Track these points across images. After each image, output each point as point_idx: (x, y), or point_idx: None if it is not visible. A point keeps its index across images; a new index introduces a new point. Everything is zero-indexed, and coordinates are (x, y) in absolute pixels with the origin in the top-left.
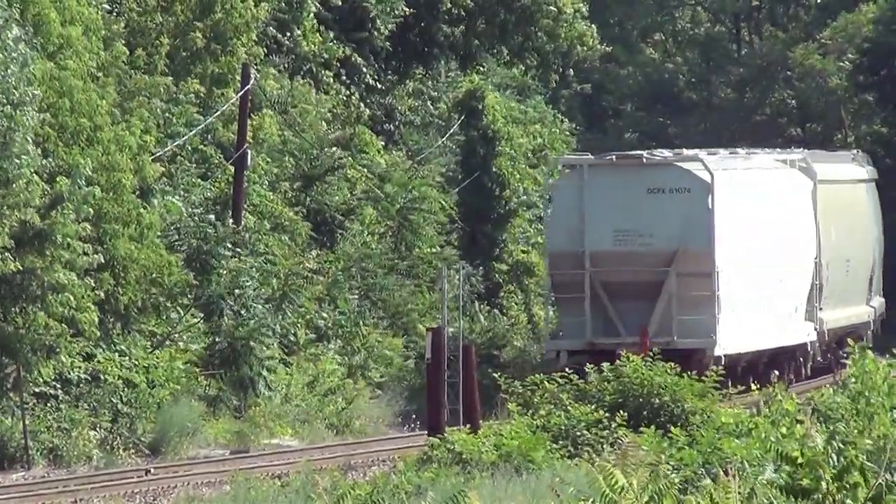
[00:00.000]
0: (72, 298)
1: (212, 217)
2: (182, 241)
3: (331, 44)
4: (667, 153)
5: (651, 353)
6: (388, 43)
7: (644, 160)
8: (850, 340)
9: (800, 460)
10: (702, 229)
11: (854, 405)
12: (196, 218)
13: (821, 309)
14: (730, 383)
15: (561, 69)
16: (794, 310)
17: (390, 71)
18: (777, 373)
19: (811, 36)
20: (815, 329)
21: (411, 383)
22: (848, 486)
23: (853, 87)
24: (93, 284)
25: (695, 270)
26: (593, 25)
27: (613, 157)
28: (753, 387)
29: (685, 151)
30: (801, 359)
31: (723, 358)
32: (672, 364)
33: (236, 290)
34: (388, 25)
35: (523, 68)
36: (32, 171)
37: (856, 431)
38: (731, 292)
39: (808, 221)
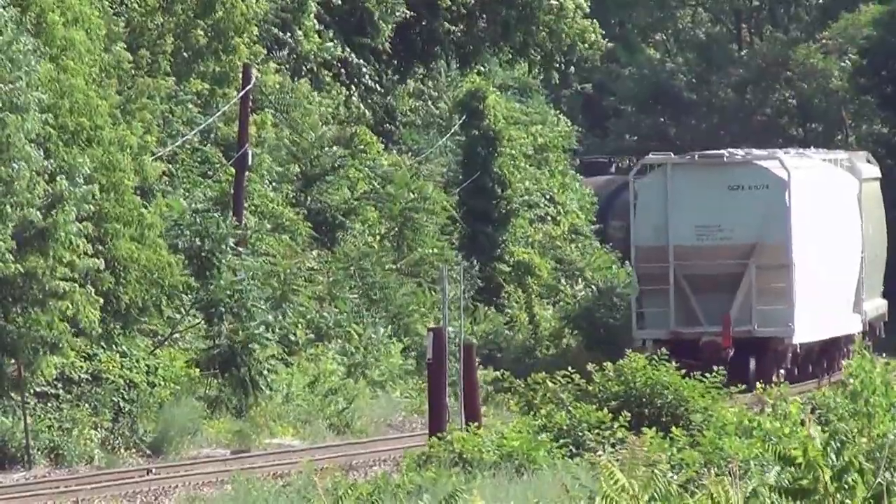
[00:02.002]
0: (71, 306)
1: (215, 215)
2: (183, 239)
3: (329, 43)
4: (741, 152)
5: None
6: (388, 44)
7: (724, 159)
8: (855, 338)
9: (799, 460)
10: (779, 224)
11: (852, 405)
12: (199, 216)
13: (864, 301)
14: (796, 371)
15: (563, 66)
16: (847, 302)
17: (391, 70)
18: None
19: (812, 36)
20: (861, 320)
21: (412, 383)
22: (847, 486)
23: (854, 88)
24: (93, 290)
25: (773, 263)
26: (595, 21)
27: (695, 156)
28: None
29: (755, 151)
30: (846, 348)
31: (798, 346)
32: (665, 361)
33: (237, 294)
34: (389, 26)
35: (526, 66)
36: (34, 171)
37: (855, 431)
38: (804, 284)
39: (855, 218)
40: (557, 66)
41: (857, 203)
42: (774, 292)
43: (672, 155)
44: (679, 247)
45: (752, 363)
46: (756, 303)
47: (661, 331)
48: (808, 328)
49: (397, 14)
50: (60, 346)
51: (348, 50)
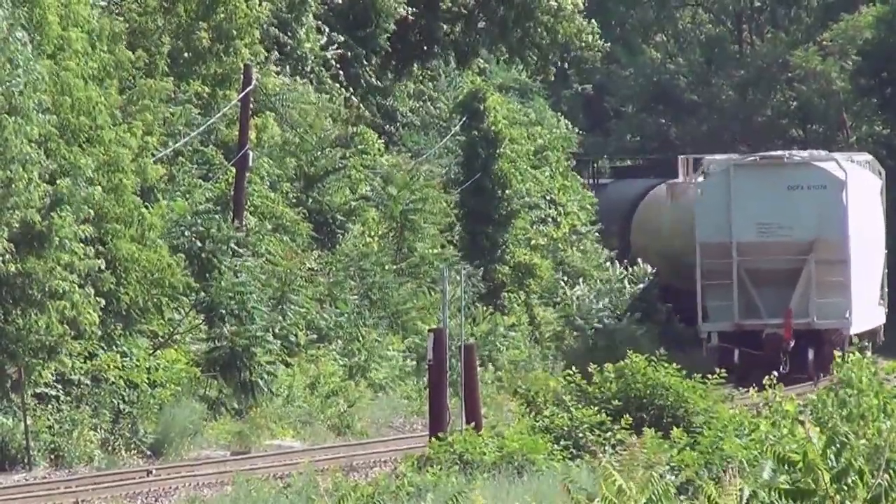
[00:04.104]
0: (70, 307)
1: (216, 217)
2: (184, 240)
3: (326, 40)
4: (799, 154)
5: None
6: (388, 42)
7: (784, 160)
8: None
9: (798, 463)
10: (837, 222)
11: (843, 409)
12: (202, 217)
13: (886, 294)
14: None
15: (560, 66)
16: (876, 295)
17: (389, 70)
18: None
19: (812, 38)
20: (885, 312)
21: (412, 384)
22: (847, 488)
23: (855, 90)
24: (93, 291)
25: (831, 258)
26: (594, 21)
27: (757, 157)
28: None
29: (810, 152)
30: (875, 339)
31: (852, 337)
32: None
33: (238, 296)
34: (390, 23)
35: (521, 66)
36: (34, 172)
37: (850, 432)
38: (858, 278)
39: (881, 216)
40: (555, 66)
41: (882, 202)
42: (832, 286)
43: (734, 156)
44: (742, 243)
45: (811, 354)
46: (815, 296)
47: (726, 323)
48: (860, 320)
49: (399, 11)
50: (59, 350)
51: (348, 49)
